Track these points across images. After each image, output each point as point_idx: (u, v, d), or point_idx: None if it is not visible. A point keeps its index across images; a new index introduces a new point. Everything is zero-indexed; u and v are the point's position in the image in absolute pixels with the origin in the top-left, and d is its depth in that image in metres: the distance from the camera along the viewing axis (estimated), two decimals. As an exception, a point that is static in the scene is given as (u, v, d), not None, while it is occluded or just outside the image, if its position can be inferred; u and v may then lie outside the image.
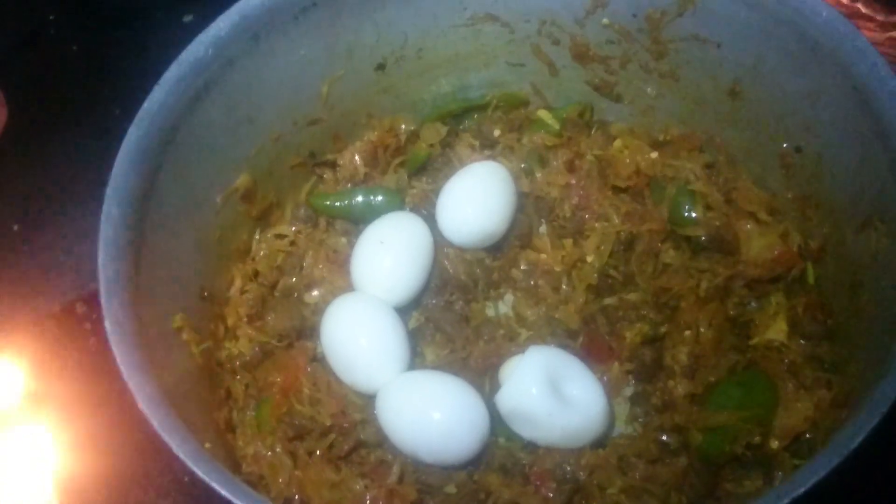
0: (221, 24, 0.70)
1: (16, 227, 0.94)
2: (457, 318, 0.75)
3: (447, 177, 0.79)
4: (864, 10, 0.95)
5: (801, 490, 0.49)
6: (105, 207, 0.63)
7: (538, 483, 0.68)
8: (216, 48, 0.70)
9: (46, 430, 0.83)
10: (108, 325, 0.59)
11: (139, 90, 0.69)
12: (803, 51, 0.68)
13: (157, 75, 0.69)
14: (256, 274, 0.78)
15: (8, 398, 0.85)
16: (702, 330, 0.73)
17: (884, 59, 0.63)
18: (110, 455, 0.81)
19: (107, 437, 0.81)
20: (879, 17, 0.95)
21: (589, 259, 0.76)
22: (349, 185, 0.81)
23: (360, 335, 0.72)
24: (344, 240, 0.79)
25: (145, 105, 0.67)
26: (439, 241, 0.77)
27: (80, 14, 1.07)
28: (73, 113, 1.00)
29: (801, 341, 0.72)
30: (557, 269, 0.76)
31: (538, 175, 0.80)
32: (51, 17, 1.07)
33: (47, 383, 0.85)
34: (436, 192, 0.79)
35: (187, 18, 1.03)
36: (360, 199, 0.80)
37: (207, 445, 0.62)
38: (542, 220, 0.79)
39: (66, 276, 0.90)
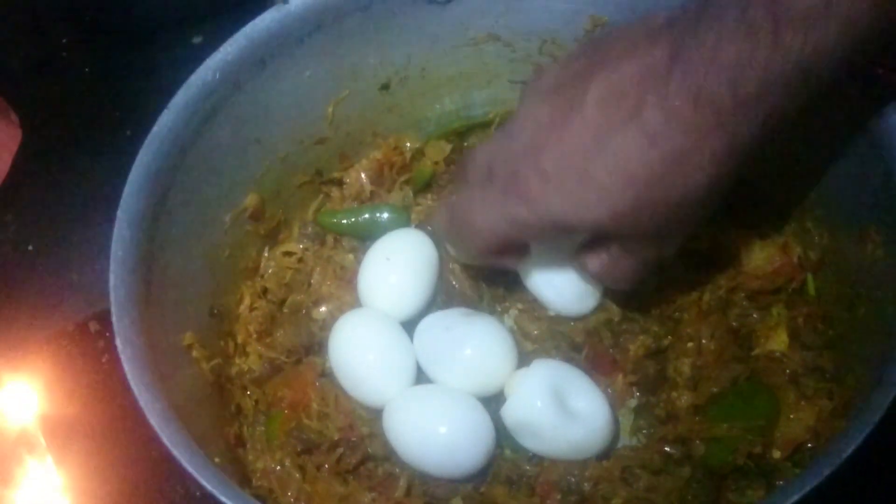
0: (228, 49, 0.71)
1: (30, 248, 0.95)
2: (462, 332, 0.76)
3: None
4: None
5: (794, 498, 0.50)
6: (116, 229, 0.65)
7: (543, 494, 0.69)
8: (223, 72, 0.71)
9: (61, 447, 0.84)
10: (118, 343, 0.61)
11: (150, 111, 0.70)
12: (798, 66, 0.69)
13: (168, 96, 0.71)
14: (265, 291, 0.80)
15: (22, 415, 0.86)
16: (704, 342, 0.73)
17: (877, 73, 0.64)
18: (124, 471, 0.82)
19: (121, 453, 0.82)
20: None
21: (592, 272, 0.77)
22: (355, 202, 0.83)
23: (368, 350, 0.73)
24: (351, 256, 0.80)
25: (154, 129, 0.69)
26: (445, 257, 0.78)
27: (93, 37, 1.09)
28: (85, 134, 1.01)
29: (803, 352, 0.72)
30: (561, 283, 0.77)
31: (541, 190, 0.81)
32: (63, 41, 1.09)
33: (61, 400, 0.86)
34: (441, 209, 0.81)
35: (196, 40, 1.04)
36: (366, 216, 0.81)
37: (217, 460, 0.63)
38: (546, 235, 0.80)
39: (80, 295, 0.91)
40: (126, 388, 0.60)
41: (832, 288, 0.73)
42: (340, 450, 0.71)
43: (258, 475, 0.71)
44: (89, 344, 0.88)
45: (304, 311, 0.79)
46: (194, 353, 0.71)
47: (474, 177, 0.67)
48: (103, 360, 0.87)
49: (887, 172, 0.63)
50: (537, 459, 0.70)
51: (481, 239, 0.66)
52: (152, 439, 0.59)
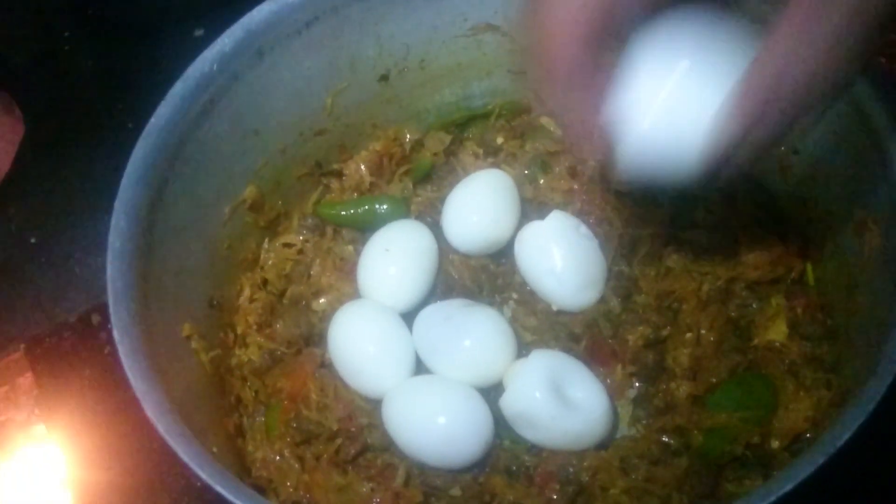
0: (226, 41, 0.72)
1: (33, 240, 0.96)
2: (461, 323, 0.76)
3: (451, 185, 0.81)
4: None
5: (787, 488, 0.50)
6: (113, 220, 0.65)
7: (542, 484, 0.69)
8: (221, 64, 0.71)
9: (63, 439, 0.85)
10: (116, 334, 0.61)
11: (152, 104, 0.70)
12: (796, 55, 0.68)
13: (169, 89, 0.71)
14: (265, 282, 0.80)
15: (25, 408, 0.87)
16: (703, 332, 0.73)
17: (875, 63, 0.64)
18: (125, 462, 0.82)
19: (122, 444, 0.82)
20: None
21: (592, 263, 0.77)
22: (355, 194, 0.83)
23: (367, 341, 0.73)
24: (350, 248, 0.81)
25: (152, 120, 0.69)
26: (444, 248, 0.79)
27: (95, 31, 1.09)
28: (87, 127, 1.02)
29: (801, 342, 0.72)
30: (561, 273, 0.77)
31: (541, 181, 0.81)
32: (66, 35, 1.09)
33: (63, 392, 0.86)
34: (440, 200, 0.81)
35: (198, 33, 1.04)
36: (366, 207, 0.81)
37: (215, 450, 0.63)
38: (546, 226, 0.80)
39: (82, 287, 0.91)
40: (128, 379, 0.60)
41: (831, 278, 0.73)
42: (339, 440, 0.71)
43: (257, 465, 0.71)
44: (91, 336, 0.88)
45: (303, 303, 0.79)
46: (193, 345, 0.71)
47: None
48: (105, 351, 0.87)
49: (884, 163, 0.63)
50: (536, 450, 0.70)
51: (562, 25, 0.48)
52: (153, 430, 0.59)
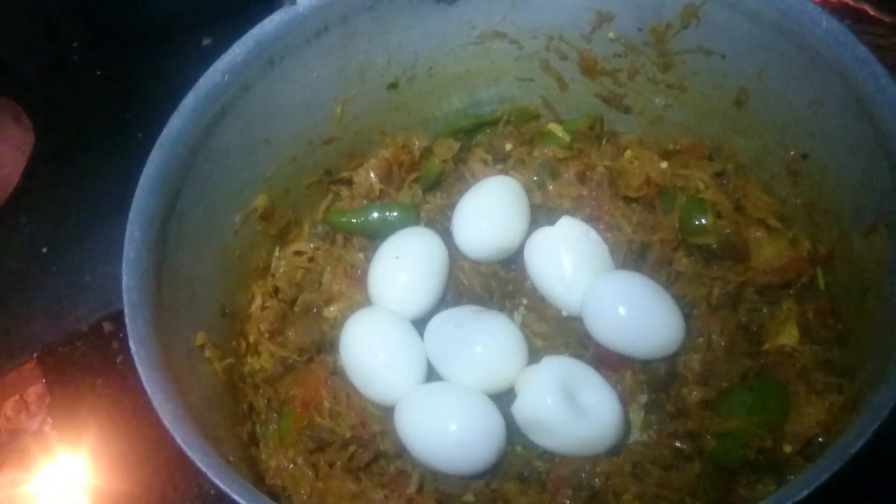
0: (237, 51, 0.72)
1: (45, 250, 0.96)
2: (472, 329, 0.77)
3: (461, 191, 0.81)
4: (871, 12, 0.96)
5: (803, 494, 0.50)
6: (127, 231, 0.65)
7: (554, 490, 0.69)
8: (232, 74, 0.72)
9: (75, 447, 0.85)
10: (132, 344, 0.61)
11: (161, 113, 0.71)
12: (805, 61, 0.69)
13: (178, 98, 0.71)
14: (276, 290, 0.80)
15: (37, 416, 0.87)
16: (714, 337, 0.74)
17: (883, 68, 0.64)
18: (139, 470, 0.82)
19: (135, 452, 0.83)
20: (887, 20, 0.95)
21: (602, 269, 0.77)
22: (365, 201, 0.83)
23: (378, 348, 0.73)
24: (361, 255, 0.81)
25: (164, 132, 0.69)
26: (454, 255, 0.79)
27: (104, 41, 1.10)
28: (97, 137, 1.02)
29: (813, 346, 0.72)
30: (571, 279, 0.78)
31: (550, 187, 0.81)
32: (75, 44, 1.10)
33: (77, 401, 0.87)
34: (450, 207, 0.81)
35: (206, 42, 1.05)
36: (375, 215, 0.82)
37: (230, 458, 0.64)
38: (555, 232, 0.80)
39: (93, 296, 0.92)
40: (141, 387, 0.61)
41: (842, 282, 0.73)
42: (352, 447, 0.71)
43: (271, 473, 0.71)
44: (103, 344, 0.89)
45: (315, 310, 0.79)
46: (207, 353, 0.71)
47: None
48: (117, 360, 0.88)
49: (894, 167, 0.63)
50: (548, 455, 0.71)
51: None
52: (166, 438, 0.59)
